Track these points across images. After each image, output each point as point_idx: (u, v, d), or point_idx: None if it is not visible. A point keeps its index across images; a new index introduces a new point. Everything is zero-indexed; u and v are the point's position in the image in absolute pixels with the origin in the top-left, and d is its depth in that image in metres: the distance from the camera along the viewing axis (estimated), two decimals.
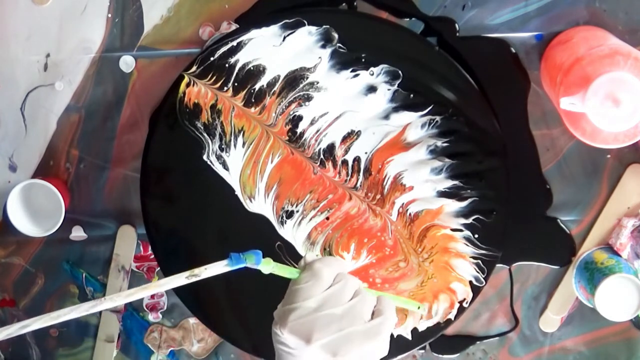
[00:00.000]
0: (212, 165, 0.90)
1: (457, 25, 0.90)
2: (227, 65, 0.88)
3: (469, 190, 0.89)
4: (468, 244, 0.90)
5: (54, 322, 0.64)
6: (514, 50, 0.90)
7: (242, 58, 0.88)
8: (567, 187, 0.93)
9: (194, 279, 0.66)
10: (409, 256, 0.91)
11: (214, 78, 0.88)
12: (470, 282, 0.90)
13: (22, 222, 0.92)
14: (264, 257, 0.69)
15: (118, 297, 0.65)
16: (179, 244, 0.92)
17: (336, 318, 0.66)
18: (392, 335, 0.68)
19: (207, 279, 0.92)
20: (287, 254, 0.91)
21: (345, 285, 0.68)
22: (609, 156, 0.92)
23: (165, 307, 0.97)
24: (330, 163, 0.90)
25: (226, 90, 0.89)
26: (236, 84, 0.88)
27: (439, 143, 0.89)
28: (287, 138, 0.89)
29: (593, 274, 0.89)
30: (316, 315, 0.66)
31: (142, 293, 0.66)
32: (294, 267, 0.70)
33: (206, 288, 0.92)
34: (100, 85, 0.93)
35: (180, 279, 0.66)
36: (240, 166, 0.90)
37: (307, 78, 0.88)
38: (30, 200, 0.93)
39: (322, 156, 0.89)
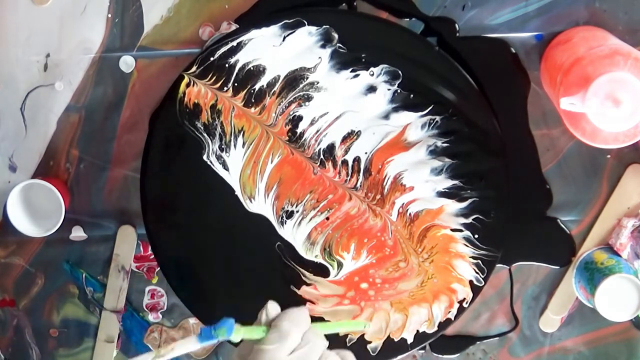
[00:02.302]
0: (212, 166, 0.90)
1: (457, 25, 0.90)
2: (227, 65, 0.88)
3: (469, 191, 0.89)
4: (468, 244, 0.90)
5: None
6: (514, 50, 0.90)
7: (242, 58, 0.88)
8: (567, 187, 0.93)
9: None
10: (409, 256, 0.91)
11: (214, 78, 0.88)
12: (470, 282, 0.90)
13: (22, 222, 0.92)
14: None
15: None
16: (178, 245, 0.92)
17: None
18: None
19: (208, 277, 0.92)
20: (287, 254, 0.91)
21: (312, 349, 0.64)
22: (609, 156, 0.92)
23: (165, 307, 0.97)
24: (330, 163, 0.90)
25: (226, 91, 0.89)
26: (236, 84, 0.89)
27: (439, 143, 0.89)
28: (287, 138, 0.89)
29: (593, 274, 0.89)
30: None
31: None
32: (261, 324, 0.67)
33: (206, 288, 0.92)
34: (100, 85, 0.93)
35: None
36: (240, 166, 0.90)
37: (307, 78, 0.88)
38: (30, 200, 0.93)
39: (322, 156, 0.89)
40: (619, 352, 0.96)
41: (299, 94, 0.89)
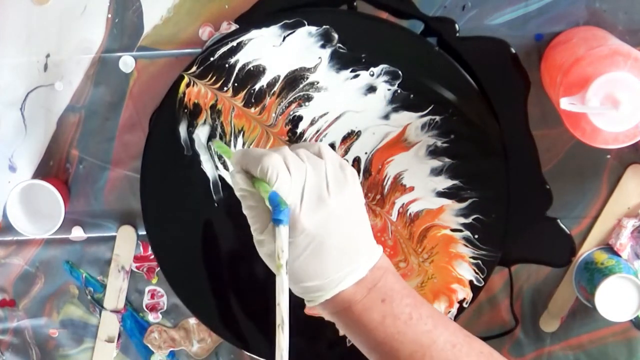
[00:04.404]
0: None
1: (457, 26, 0.90)
2: (227, 65, 0.88)
3: (469, 191, 0.89)
4: (468, 244, 0.90)
5: None
6: (514, 50, 0.90)
7: (242, 58, 0.88)
8: (567, 187, 0.92)
9: None
10: (409, 256, 0.91)
11: (214, 78, 0.88)
12: (470, 282, 0.90)
13: (22, 222, 0.92)
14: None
15: None
16: (178, 245, 0.92)
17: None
18: None
19: (208, 277, 0.92)
20: None
21: (295, 163, 0.68)
22: (609, 156, 0.92)
23: (165, 308, 0.97)
24: None
25: (226, 91, 0.89)
26: (236, 84, 0.89)
27: (439, 143, 0.89)
28: (287, 138, 0.89)
29: (593, 274, 0.89)
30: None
31: None
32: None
33: (206, 288, 0.92)
34: (100, 85, 0.93)
35: None
36: None
37: (307, 78, 0.88)
38: (30, 201, 0.93)
39: None
40: (619, 352, 0.95)
41: (299, 94, 0.89)
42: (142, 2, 0.91)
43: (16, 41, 0.92)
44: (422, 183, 0.89)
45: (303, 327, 0.91)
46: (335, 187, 0.67)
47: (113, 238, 0.96)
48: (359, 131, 0.89)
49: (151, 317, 0.98)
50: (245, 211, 0.70)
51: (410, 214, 0.90)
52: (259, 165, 0.67)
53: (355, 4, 0.90)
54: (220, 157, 0.90)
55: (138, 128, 0.93)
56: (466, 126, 0.88)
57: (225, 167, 0.90)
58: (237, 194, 0.70)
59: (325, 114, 0.89)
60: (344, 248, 0.67)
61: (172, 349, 0.98)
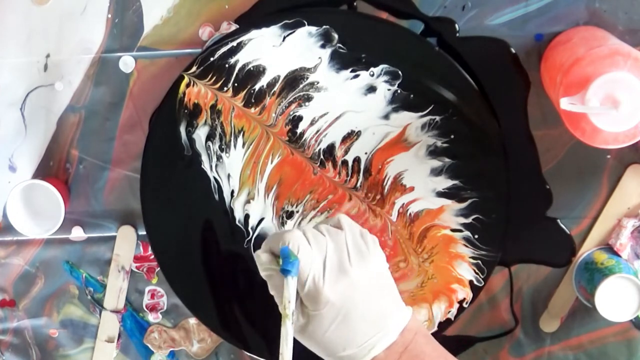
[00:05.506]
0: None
1: (457, 26, 0.90)
2: (227, 65, 0.88)
3: (469, 191, 0.89)
4: (468, 244, 0.90)
5: None
6: (514, 51, 0.90)
7: (242, 58, 0.88)
8: (567, 187, 0.92)
9: None
10: (409, 256, 0.91)
11: (214, 78, 0.88)
12: (470, 282, 0.90)
13: (22, 222, 0.92)
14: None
15: None
16: (178, 244, 0.92)
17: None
18: None
19: (208, 277, 0.92)
20: None
21: (315, 238, 0.70)
22: (609, 156, 0.92)
23: (165, 308, 0.97)
24: (330, 163, 0.90)
25: (226, 91, 0.89)
26: (236, 85, 0.89)
27: (439, 143, 0.89)
28: (287, 138, 0.89)
29: (593, 274, 0.89)
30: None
31: None
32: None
33: (206, 288, 0.92)
34: (100, 85, 0.93)
35: None
36: (240, 166, 0.90)
37: (307, 78, 0.88)
38: (30, 201, 0.93)
39: (322, 156, 0.89)
40: (619, 352, 0.96)
41: (299, 94, 0.89)
42: (142, 2, 0.91)
43: (16, 41, 0.92)
44: (422, 183, 0.89)
45: None
46: (356, 256, 0.69)
47: (113, 238, 0.96)
48: (359, 131, 0.89)
49: (151, 317, 0.98)
50: (271, 291, 0.71)
51: (410, 214, 0.90)
52: (281, 240, 0.68)
53: (355, 4, 0.90)
54: (219, 159, 0.90)
55: (138, 128, 0.93)
56: (466, 126, 0.88)
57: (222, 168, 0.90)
58: (263, 274, 0.71)
59: (325, 114, 0.89)
60: (372, 315, 0.68)
61: (172, 349, 0.98)
